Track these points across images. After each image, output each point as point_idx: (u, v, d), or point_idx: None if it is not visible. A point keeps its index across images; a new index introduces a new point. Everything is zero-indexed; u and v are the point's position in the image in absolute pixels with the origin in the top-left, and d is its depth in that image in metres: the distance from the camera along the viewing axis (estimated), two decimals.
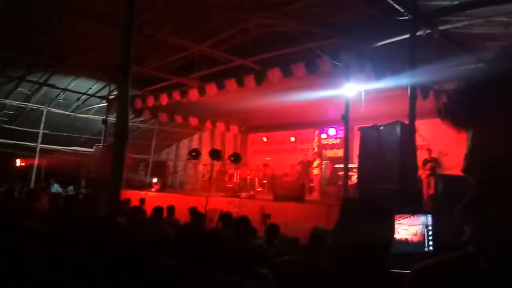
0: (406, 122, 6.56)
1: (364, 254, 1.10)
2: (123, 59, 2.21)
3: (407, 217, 1.58)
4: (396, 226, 1.44)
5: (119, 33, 2.54)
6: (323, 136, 15.65)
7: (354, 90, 8.19)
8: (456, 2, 6.78)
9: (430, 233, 1.56)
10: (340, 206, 1.23)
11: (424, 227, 1.56)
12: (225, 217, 6.02)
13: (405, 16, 5.03)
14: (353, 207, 1.19)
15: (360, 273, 1.10)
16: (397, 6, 4.66)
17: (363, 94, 8.22)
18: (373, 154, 7.29)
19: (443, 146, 10.76)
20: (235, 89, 10.59)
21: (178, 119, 15.98)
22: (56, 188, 15.80)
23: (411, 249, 1.57)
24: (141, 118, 15.47)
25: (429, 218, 1.61)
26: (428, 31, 5.98)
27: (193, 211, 6.23)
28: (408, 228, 1.54)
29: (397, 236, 1.53)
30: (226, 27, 9.85)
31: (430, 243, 1.56)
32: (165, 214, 7.18)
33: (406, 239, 1.56)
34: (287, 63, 9.45)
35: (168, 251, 4.32)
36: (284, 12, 8.63)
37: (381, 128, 7.35)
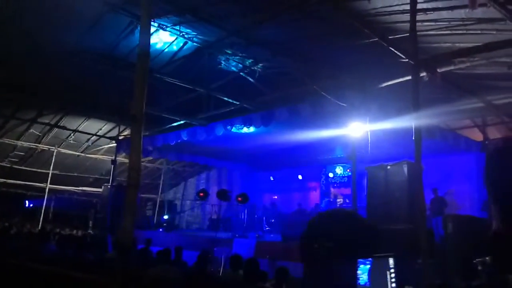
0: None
1: None
2: (137, 110, 2.31)
3: (370, 260, 1.61)
4: (359, 271, 1.47)
5: (132, 79, 2.66)
6: (330, 174, 15.65)
7: (360, 130, 8.28)
8: (457, 44, 6.96)
9: (393, 275, 1.59)
10: (301, 249, 1.27)
11: (386, 270, 1.59)
12: (234, 259, 5.97)
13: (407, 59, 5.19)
14: (317, 252, 1.23)
15: None
16: (397, 52, 4.80)
17: (368, 133, 8.30)
18: (381, 194, 7.28)
19: (449, 183, 10.77)
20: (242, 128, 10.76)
21: (186, 158, 16.12)
22: None
23: None
24: (149, 158, 15.61)
25: (391, 261, 1.65)
26: (430, 74, 6.12)
27: (202, 255, 6.21)
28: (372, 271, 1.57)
29: (362, 279, 1.57)
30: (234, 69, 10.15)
31: (393, 285, 1.58)
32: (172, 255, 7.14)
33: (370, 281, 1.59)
34: (293, 103, 9.61)
35: None
36: (290, 53, 8.86)
37: (388, 167, 7.37)
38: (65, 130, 14.09)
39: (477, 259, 5.47)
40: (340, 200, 14.10)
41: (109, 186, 13.58)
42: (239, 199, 13.52)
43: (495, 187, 0.97)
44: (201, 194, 14.03)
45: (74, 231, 15.18)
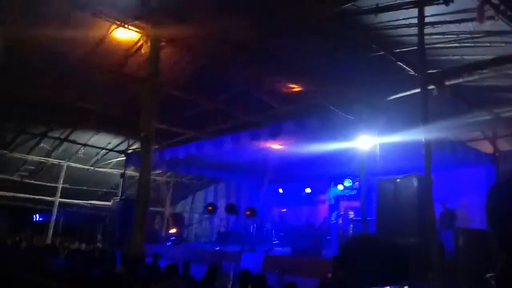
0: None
1: None
2: (148, 130, 2.33)
3: None
4: None
5: (142, 99, 2.68)
6: (340, 187, 15.53)
7: (368, 143, 8.24)
8: (466, 57, 6.95)
9: None
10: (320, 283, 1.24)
11: None
12: (243, 274, 5.93)
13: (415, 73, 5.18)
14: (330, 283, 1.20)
15: None
16: (406, 68, 4.80)
17: (377, 146, 8.26)
18: (391, 207, 7.20)
19: (460, 196, 10.67)
20: (250, 142, 10.78)
21: (194, 171, 16.15)
22: None
23: None
24: (158, 171, 15.65)
25: None
26: (438, 88, 6.11)
27: (210, 270, 6.17)
28: None
29: None
30: (241, 83, 10.19)
31: None
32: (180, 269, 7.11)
33: None
34: (301, 116, 9.61)
35: None
36: (299, 69, 8.90)
37: (398, 180, 7.30)
38: (74, 144, 14.20)
39: (488, 274, 5.38)
40: (351, 214, 13.95)
41: (118, 200, 13.62)
42: (248, 212, 13.47)
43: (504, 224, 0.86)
44: (209, 208, 14.01)
45: (83, 245, 15.21)
